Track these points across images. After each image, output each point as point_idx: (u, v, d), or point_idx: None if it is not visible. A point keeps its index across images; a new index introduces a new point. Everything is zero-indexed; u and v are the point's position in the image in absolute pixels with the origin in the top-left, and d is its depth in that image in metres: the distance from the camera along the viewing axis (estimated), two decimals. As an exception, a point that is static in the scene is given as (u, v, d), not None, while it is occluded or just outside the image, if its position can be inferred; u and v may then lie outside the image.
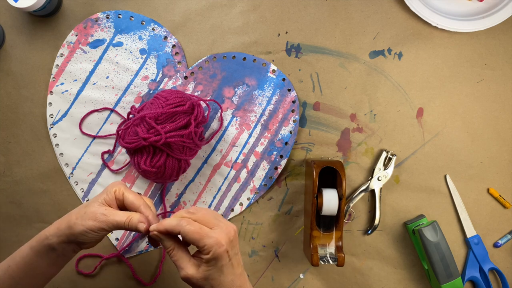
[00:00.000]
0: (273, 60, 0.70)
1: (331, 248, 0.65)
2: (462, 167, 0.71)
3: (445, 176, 0.70)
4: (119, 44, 0.70)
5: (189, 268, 0.49)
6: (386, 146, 0.71)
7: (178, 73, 0.70)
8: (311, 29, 0.70)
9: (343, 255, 0.64)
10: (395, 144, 0.71)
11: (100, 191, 0.69)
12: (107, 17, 0.69)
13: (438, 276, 0.66)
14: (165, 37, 0.70)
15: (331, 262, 0.64)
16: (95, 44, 0.70)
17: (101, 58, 0.70)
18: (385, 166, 0.70)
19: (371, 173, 0.71)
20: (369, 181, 0.70)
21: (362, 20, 0.70)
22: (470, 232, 0.70)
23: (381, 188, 0.70)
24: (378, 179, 0.70)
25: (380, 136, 0.71)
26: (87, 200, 0.70)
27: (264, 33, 0.70)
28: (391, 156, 0.70)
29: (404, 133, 0.71)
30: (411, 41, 0.70)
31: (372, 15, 0.70)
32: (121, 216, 0.52)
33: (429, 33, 0.70)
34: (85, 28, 0.69)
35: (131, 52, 0.70)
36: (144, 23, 0.70)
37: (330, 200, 0.64)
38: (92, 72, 0.70)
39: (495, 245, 0.71)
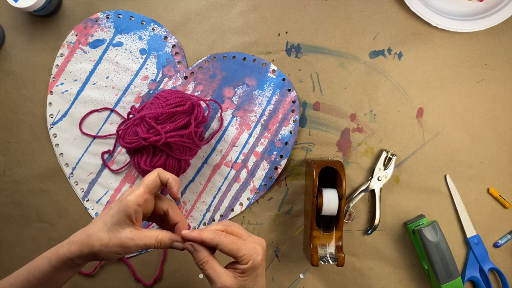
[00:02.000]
0: (273, 60, 0.70)
1: (331, 248, 0.65)
2: (462, 167, 0.71)
3: (445, 176, 0.70)
4: (119, 44, 0.70)
5: (225, 279, 0.48)
6: (386, 146, 0.71)
7: (178, 73, 0.70)
8: (311, 29, 0.70)
9: (343, 255, 0.64)
10: (395, 144, 0.71)
11: (100, 191, 0.70)
12: (107, 17, 0.69)
13: (438, 276, 0.66)
14: (165, 37, 0.70)
15: (331, 262, 0.64)
16: (95, 44, 0.70)
17: (101, 58, 0.70)
18: (385, 166, 0.70)
19: (371, 173, 0.71)
20: (369, 181, 0.70)
21: (362, 20, 0.70)
22: (470, 232, 0.70)
23: (381, 188, 0.70)
24: (378, 179, 0.70)
25: (380, 136, 0.71)
26: (87, 201, 0.70)
27: (264, 33, 0.70)
28: (391, 156, 0.70)
29: (404, 133, 0.71)
30: (411, 41, 0.70)
31: (372, 15, 0.70)
32: (150, 238, 0.49)
33: (429, 33, 0.70)
34: (85, 28, 0.69)
35: (131, 52, 0.70)
36: (144, 23, 0.70)
37: (330, 200, 0.64)
38: (92, 72, 0.70)
39: (495, 245, 0.71)
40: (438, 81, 0.71)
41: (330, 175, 0.67)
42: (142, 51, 0.70)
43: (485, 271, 0.69)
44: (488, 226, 0.71)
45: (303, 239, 0.71)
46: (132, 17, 0.70)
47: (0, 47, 0.69)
